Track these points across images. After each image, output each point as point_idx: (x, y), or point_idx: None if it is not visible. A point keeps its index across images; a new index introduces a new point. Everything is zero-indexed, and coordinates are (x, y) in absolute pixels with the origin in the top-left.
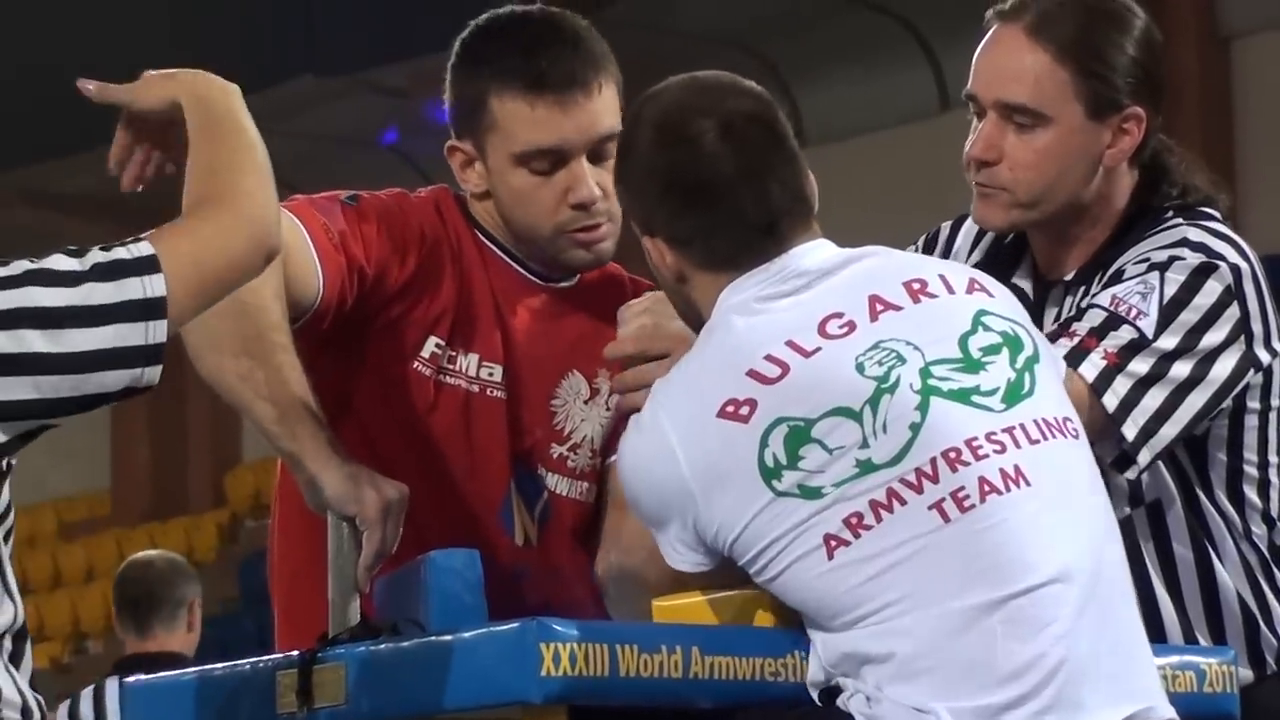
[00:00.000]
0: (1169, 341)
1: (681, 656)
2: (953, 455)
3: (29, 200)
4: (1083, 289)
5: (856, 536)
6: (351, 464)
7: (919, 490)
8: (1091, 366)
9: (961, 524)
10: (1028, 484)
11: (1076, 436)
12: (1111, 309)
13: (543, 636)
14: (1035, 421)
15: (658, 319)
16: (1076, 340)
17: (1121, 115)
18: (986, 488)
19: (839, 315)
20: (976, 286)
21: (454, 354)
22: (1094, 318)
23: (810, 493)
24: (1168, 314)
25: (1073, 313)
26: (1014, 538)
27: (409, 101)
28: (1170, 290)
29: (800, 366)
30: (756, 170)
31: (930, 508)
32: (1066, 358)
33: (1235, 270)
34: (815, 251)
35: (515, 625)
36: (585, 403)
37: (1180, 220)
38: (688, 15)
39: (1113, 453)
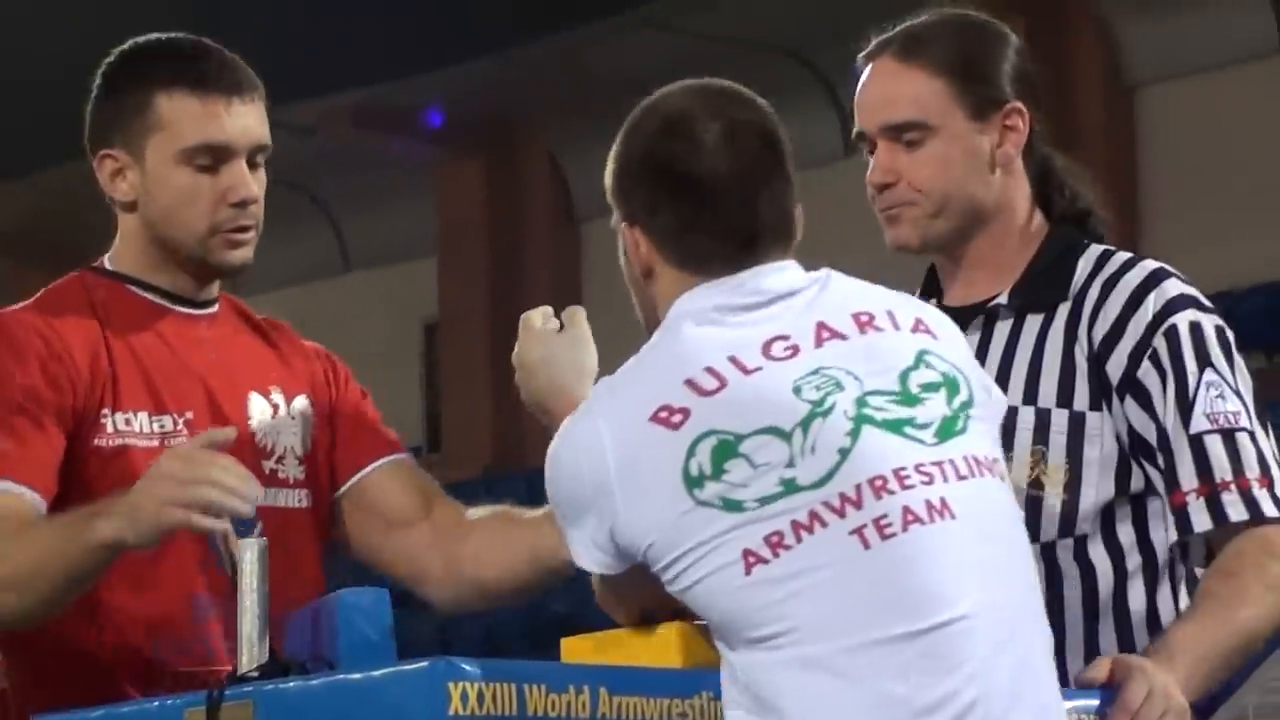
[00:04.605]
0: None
1: (589, 696)
2: (879, 483)
3: None
4: (1029, 319)
5: (775, 555)
6: (119, 503)
7: (841, 514)
8: (1272, 504)
9: (881, 551)
10: (953, 517)
11: (1003, 479)
12: (1217, 428)
13: (451, 676)
14: (965, 458)
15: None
16: (1236, 490)
17: (1003, 113)
18: (910, 517)
19: (785, 338)
20: (922, 327)
21: (128, 416)
22: (1217, 455)
23: (732, 505)
24: (1242, 395)
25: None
26: (934, 570)
27: (316, 139)
28: (1226, 371)
29: (738, 382)
30: (750, 180)
31: (851, 533)
32: (1248, 511)
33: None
34: (781, 274)
35: (424, 665)
36: (273, 417)
37: (1117, 270)
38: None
39: None
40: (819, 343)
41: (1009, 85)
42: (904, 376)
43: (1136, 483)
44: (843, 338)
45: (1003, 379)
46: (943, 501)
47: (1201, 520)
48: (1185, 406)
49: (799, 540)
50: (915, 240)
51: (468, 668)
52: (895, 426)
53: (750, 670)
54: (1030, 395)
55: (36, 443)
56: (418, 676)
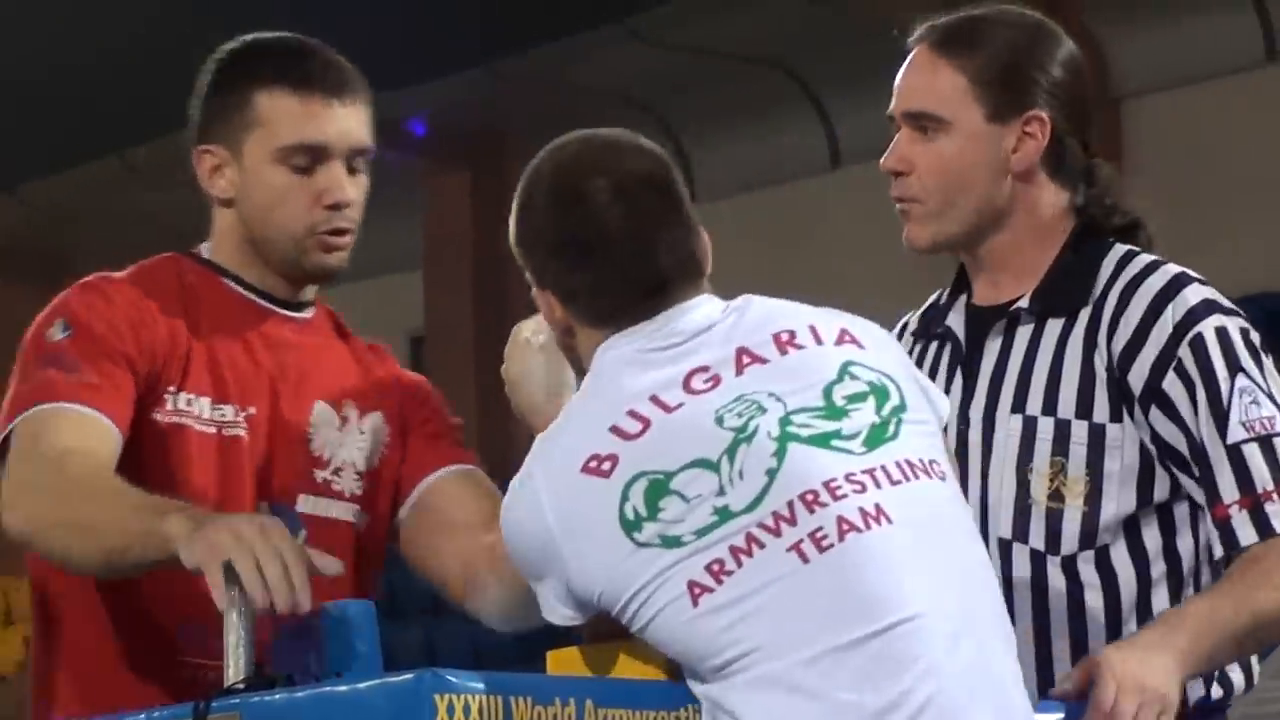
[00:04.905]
0: None
1: (575, 709)
2: (810, 497)
3: None
4: (1050, 323)
5: (719, 583)
6: (199, 516)
7: (777, 534)
8: None
9: (821, 563)
10: (889, 521)
11: (944, 479)
12: (1255, 435)
13: (437, 688)
14: (898, 463)
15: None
16: (1279, 500)
17: (1023, 119)
18: (845, 526)
19: (705, 370)
20: (847, 338)
21: (190, 398)
22: (1257, 465)
23: (671, 541)
24: (1275, 397)
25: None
26: (877, 574)
27: None
28: (1257, 375)
29: (661, 422)
30: (645, 234)
31: (789, 550)
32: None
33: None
34: (697, 310)
35: (410, 676)
36: (339, 430)
37: (1136, 275)
38: (586, 70)
39: None
40: (740, 370)
41: (1040, 93)
42: (828, 391)
43: (1160, 492)
44: (763, 361)
45: (1022, 387)
46: (877, 508)
47: (1247, 534)
48: (1220, 415)
49: (739, 565)
50: (925, 239)
51: (454, 679)
52: (821, 440)
53: (721, 699)
54: (1050, 405)
55: (120, 381)
56: (404, 688)
